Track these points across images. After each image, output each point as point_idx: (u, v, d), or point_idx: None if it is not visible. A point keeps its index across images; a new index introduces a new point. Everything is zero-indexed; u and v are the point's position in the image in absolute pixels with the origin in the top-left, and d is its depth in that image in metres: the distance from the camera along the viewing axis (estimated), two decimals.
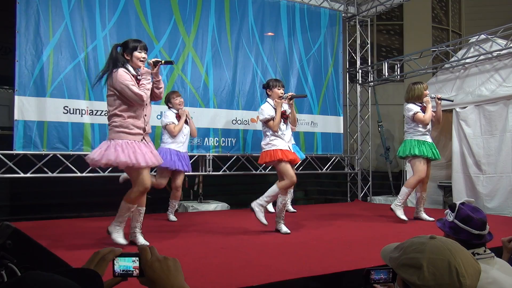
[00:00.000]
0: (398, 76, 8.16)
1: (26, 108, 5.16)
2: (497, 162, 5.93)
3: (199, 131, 6.22)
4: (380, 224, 4.96)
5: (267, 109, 4.27)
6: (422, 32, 10.29)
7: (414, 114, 4.98)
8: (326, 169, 7.50)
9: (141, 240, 3.63)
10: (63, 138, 5.36)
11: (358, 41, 8.13)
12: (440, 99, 5.13)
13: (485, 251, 1.86)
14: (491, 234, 1.95)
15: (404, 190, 5.06)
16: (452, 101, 5.61)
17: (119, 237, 3.53)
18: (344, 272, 2.85)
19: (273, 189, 4.24)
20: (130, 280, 1.09)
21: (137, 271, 1.06)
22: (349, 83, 8.39)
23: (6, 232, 1.34)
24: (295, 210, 6.14)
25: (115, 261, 1.08)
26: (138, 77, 3.48)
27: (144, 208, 3.71)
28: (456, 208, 1.96)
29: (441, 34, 10.85)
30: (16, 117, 5.12)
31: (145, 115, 3.53)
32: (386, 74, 7.84)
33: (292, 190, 6.00)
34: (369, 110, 8.19)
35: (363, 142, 8.16)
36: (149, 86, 3.45)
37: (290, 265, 2.98)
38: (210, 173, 6.40)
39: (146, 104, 3.51)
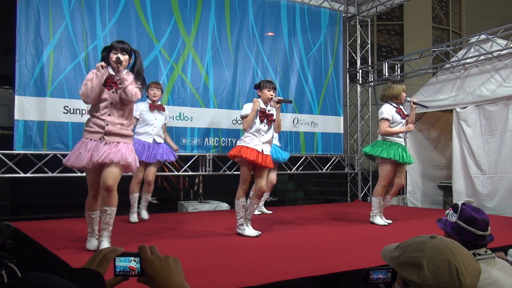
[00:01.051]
0: (398, 76, 8.15)
1: (26, 108, 5.16)
2: (497, 162, 5.93)
3: (199, 131, 6.22)
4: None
5: (247, 107, 4.19)
6: (422, 32, 10.29)
7: (381, 119, 4.84)
8: (326, 169, 7.50)
9: (105, 245, 3.30)
10: (63, 138, 5.36)
11: (358, 41, 8.12)
12: (415, 103, 4.94)
13: (486, 251, 1.86)
14: (492, 235, 1.94)
15: (373, 200, 4.96)
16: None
17: (89, 244, 3.42)
18: (344, 272, 2.85)
19: (236, 204, 4.14)
20: (131, 279, 1.09)
21: (138, 270, 1.06)
22: (349, 83, 8.39)
23: (6, 232, 1.34)
24: (271, 212, 5.98)
25: (116, 261, 1.08)
26: (114, 77, 3.37)
27: (113, 208, 3.35)
28: (459, 209, 1.95)
29: (441, 34, 10.85)
30: (16, 117, 5.12)
31: (109, 115, 3.37)
32: (386, 74, 7.84)
33: (266, 195, 5.89)
34: (369, 110, 8.19)
35: (363, 142, 8.16)
36: (92, 82, 3.26)
37: (290, 265, 2.97)
38: (210, 173, 6.40)
39: (112, 103, 3.37)
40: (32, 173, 5.30)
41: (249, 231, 4.10)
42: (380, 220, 4.89)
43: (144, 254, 1.05)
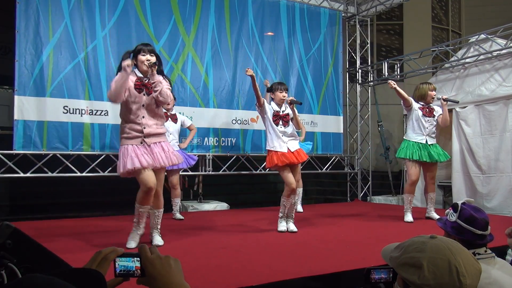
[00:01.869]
0: (398, 76, 8.16)
1: (26, 108, 5.16)
2: (497, 162, 5.93)
3: (199, 131, 6.22)
4: (380, 224, 4.96)
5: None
6: (422, 32, 10.29)
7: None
8: (326, 169, 7.50)
9: (156, 240, 3.61)
10: (63, 138, 5.36)
11: (358, 41, 8.12)
12: (445, 100, 5.05)
13: (485, 251, 1.86)
14: (492, 234, 1.94)
15: (404, 196, 5.25)
16: (458, 102, 5.59)
17: (130, 239, 3.52)
18: (344, 272, 2.85)
19: (281, 201, 4.36)
20: (132, 280, 1.09)
21: (139, 270, 1.06)
22: (349, 83, 8.39)
23: (6, 232, 1.34)
24: (301, 211, 6.11)
25: (116, 261, 1.08)
26: (144, 80, 3.47)
27: (161, 210, 3.67)
28: (459, 208, 1.95)
29: (441, 33, 10.85)
30: (16, 117, 5.12)
31: (143, 117, 3.46)
32: (386, 74, 7.84)
33: (300, 190, 6.04)
34: (369, 110, 8.19)
35: (363, 142, 8.16)
36: (117, 83, 3.27)
37: (290, 265, 2.97)
38: (210, 173, 6.40)
39: (144, 105, 3.45)
40: (31, 173, 5.29)
41: (282, 227, 4.31)
42: (408, 217, 5.00)
43: (144, 253, 1.05)
